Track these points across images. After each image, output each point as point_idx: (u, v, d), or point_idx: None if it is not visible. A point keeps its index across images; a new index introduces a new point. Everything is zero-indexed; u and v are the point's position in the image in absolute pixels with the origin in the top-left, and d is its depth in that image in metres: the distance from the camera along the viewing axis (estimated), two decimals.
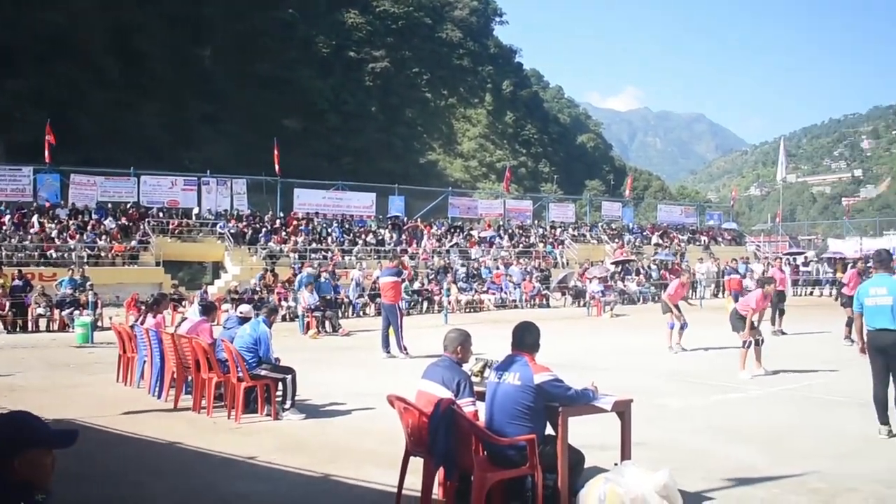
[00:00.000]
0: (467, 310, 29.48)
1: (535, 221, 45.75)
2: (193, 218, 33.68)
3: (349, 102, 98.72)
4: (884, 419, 8.30)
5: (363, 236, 35.14)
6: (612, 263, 37.20)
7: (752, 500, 6.15)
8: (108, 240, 29.93)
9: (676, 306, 16.77)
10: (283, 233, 33.67)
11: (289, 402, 9.56)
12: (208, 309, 12.29)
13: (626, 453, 6.01)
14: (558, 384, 5.50)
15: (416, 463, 5.76)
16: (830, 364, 13.99)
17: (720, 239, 49.81)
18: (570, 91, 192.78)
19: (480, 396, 5.88)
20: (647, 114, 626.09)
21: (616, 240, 43.92)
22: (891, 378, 8.27)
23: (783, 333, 20.00)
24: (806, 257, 44.56)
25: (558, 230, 44.01)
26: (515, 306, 30.97)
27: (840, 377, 12.62)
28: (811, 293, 39.71)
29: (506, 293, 31.67)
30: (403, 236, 36.50)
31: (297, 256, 31.28)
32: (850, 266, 37.78)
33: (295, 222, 34.89)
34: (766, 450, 7.81)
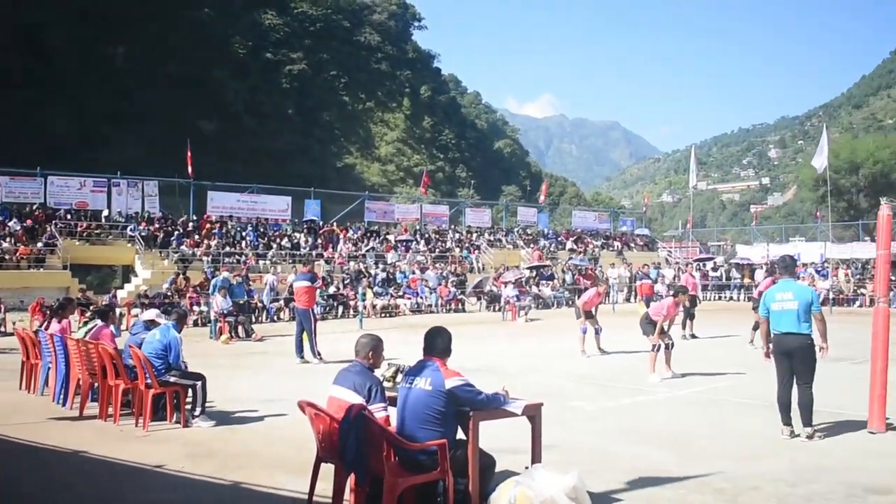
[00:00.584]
0: (383, 314, 29.43)
1: (452, 226, 45.86)
2: (103, 220, 32.81)
3: (265, 104, 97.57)
4: (786, 420, 8.57)
5: (278, 240, 34.75)
6: (527, 268, 37.56)
7: (659, 500, 6.27)
8: (13, 242, 28.97)
9: (589, 312, 17.02)
10: (196, 236, 33.10)
11: (198, 409, 9.39)
12: (105, 314, 11.98)
13: (536, 456, 6.06)
14: (469, 389, 5.54)
15: (328, 469, 5.72)
16: (737, 367, 14.37)
17: (633, 244, 50.62)
18: (488, 97, 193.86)
19: (393, 402, 5.87)
20: (564, 121, 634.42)
21: (531, 245, 44.31)
22: (794, 380, 8.54)
23: (694, 337, 20.44)
24: (715, 263, 45.66)
25: (474, 235, 44.22)
26: (431, 311, 31.03)
27: (746, 380, 12.97)
28: (720, 298, 40.73)
29: (422, 298, 31.72)
30: (319, 240, 36.23)
31: (210, 260, 30.76)
32: (764, 272, 38.91)
33: (208, 225, 34.33)
34: (673, 451, 7.98)
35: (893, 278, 33.11)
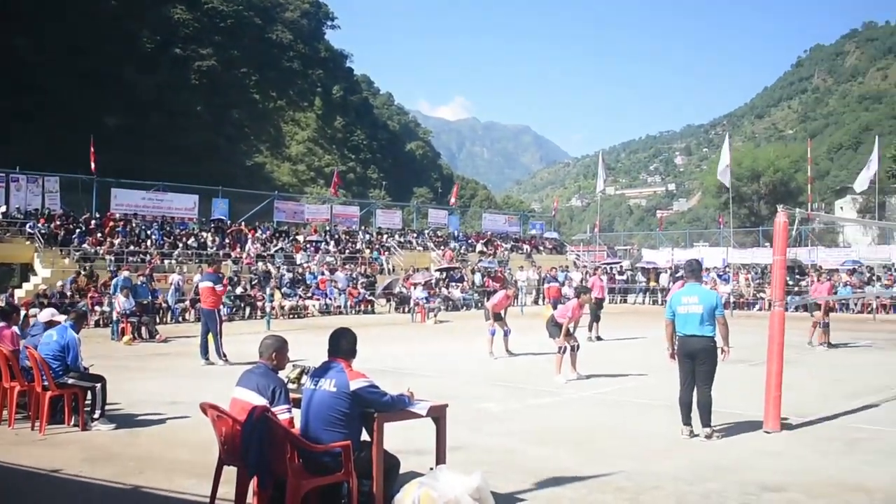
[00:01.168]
0: (291, 316, 29.17)
1: (362, 227, 45.67)
2: (1, 217, 31.69)
3: (174, 100, 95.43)
4: (687, 420, 8.78)
5: (184, 239, 34.06)
6: (437, 270, 37.67)
7: (561, 500, 6.35)
8: None
9: (498, 314, 17.17)
10: (99, 234, 32.21)
11: (98, 412, 9.15)
12: (7, 314, 11.57)
13: (441, 457, 6.08)
14: (374, 390, 5.53)
15: (230, 472, 5.65)
16: (641, 369, 14.67)
17: (542, 248, 51.18)
18: (401, 98, 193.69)
19: (297, 403, 5.83)
20: (476, 124, 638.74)
21: (442, 247, 44.45)
22: (695, 382, 8.75)
23: (599, 339, 20.78)
24: (622, 266, 46.51)
25: (385, 236, 44.13)
26: (340, 312, 30.88)
27: (649, 381, 13.25)
28: (625, 301, 41.53)
29: (331, 299, 31.54)
30: (227, 240, 35.66)
31: (113, 259, 29.97)
32: (669, 276, 39.78)
33: (112, 223, 33.40)
34: (576, 451, 8.10)
35: (791, 283, 34.46)
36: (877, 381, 13.32)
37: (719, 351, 8.78)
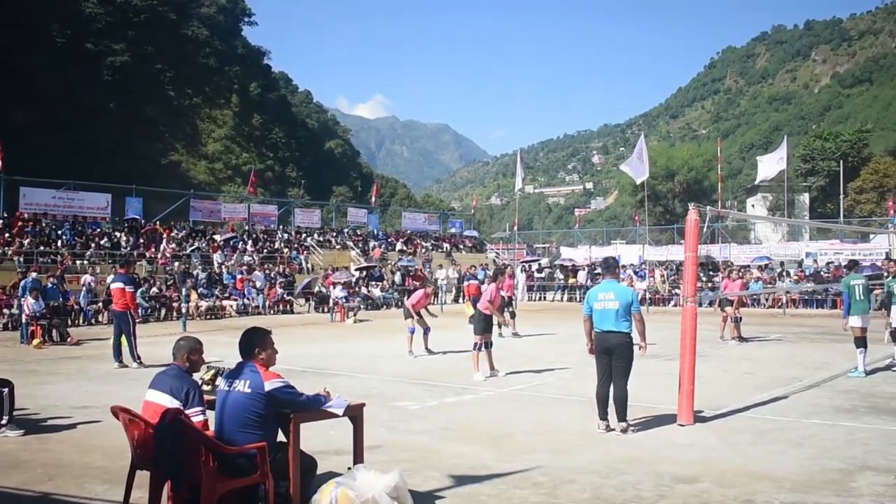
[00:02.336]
0: (208, 316, 28.74)
1: (281, 226, 45.22)
2: None
3: (85, 97, 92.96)
4: (603, 415, 8.93)
5: (97, 239, 33.24)
6: (357, 269, 37.53)
7: (479, 496, 6.37)
8: None
9: (419, 313, 17.19)
10: (7, 234, 31.23)
11: (5, 418, 8.84)
12: None
13: (358, 457, 6.05)
14: (289, 390, 5.47)
15: (144, 477, 5.53)
16: (558, 364, 14.85)
17: (462, 246, 51.40)
18: (319, 96, 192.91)
19: (212, 405, 5.74)
20: (395, 122, 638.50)
21: (361, 246, 44.30)
22: (612, 377, 8.89)
23: (516, 336, 20.94)
24: (540, 264, 46.97)
25: (304, 235, 43.79)
26: (259, 312, 30.54)
27: (566, 376, 13.41)
28: (543, 298, 41.97)
29: (248, 299, 31.16)
30: (141, 240, 34.92)
31: (21, 260, 29.09)
32: (587, 274, 40.29)
33: (20, 223, 32.43)
34: (494, 447, 8.14)
35: (704, 279, 35.26)
36: (786, 373, 13.71)
37: (636, 346, 8.94)
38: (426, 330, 17.21)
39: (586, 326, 9.16)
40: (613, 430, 8.79)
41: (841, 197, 57.81)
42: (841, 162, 61.18)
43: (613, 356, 8.85)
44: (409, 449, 8.08)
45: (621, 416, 8.82)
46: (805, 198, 72.92)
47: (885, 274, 15.46)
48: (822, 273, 35.72)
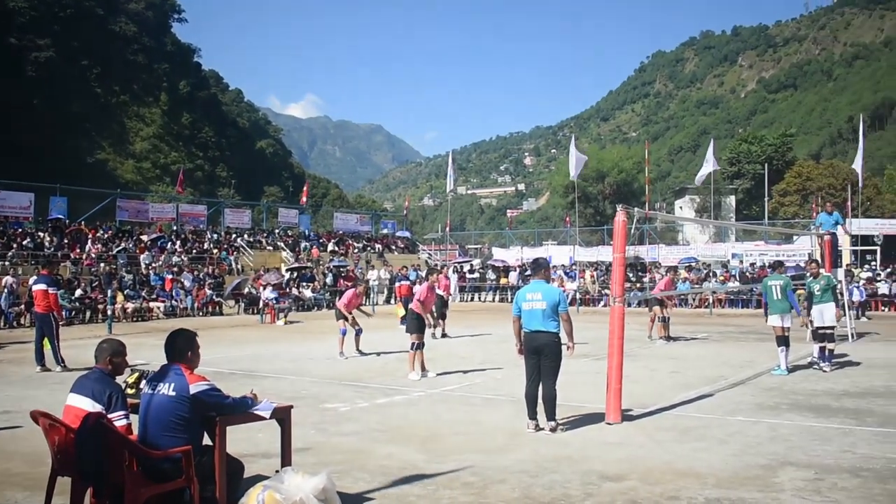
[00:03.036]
0: (135, 318, 28.20)
1: (210, 227, 44.62)
2: None
3: (8, 93, 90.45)
4: (533, 414, 8.98)
5: (19, 240, 32.38)
6: (288, 270, 37.21)
7: (408, 497, 6.37)
8: None
9: (350, 314, 17.13)
10: None
11: None
12: None
13: (286, 459, 6.01)
14: (214, 393, 5.39)
15: (65, 483, 5.41)
16: (488, 364, 14.92)
17: (394, 247, 51.33)
18: (251, 95, 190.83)
19: (136, 409, 5.63)
20: (328, 122, 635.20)
21: (292, 246, 43.95)
22: (541, 377, 8.94)
23: (445, 336, 20.97)
24: (472, 265, 47.16)
25: (234, 236, 43.28)
26: (187, 314, 30.08)
27: (496, 376, 13.48)
28: (474, 299, 42.12)
29: (177, 301, 30.64)
30: (65, 240, 34.13)
31: None
32: (518, 274, 40.51)
33: None
34: (424, 448, 8.15)
35: (633, 279, 35.75)
36: (711, 371, 13.97)
37: (564, 347, 9.01)
38: (358, 331, 17.16)
39: (515, 327, 9.21)
40: (543, 429, 8.85)
41: (766, 199, 59.25)
42: (766, 165, 62.73)
43: (542, 356, 8.90)
44: (338, 451, 8.04)
45: (550, 415, 8.89)
46: (731, 200, 74.48)
47: (808, 274, 15.84)
48: (747, 273, 36.50)
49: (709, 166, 46.18)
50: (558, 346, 8.93)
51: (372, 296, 33.59)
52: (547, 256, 49.53)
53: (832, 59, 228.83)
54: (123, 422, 5.38)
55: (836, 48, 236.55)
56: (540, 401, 8.95)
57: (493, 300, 41.44)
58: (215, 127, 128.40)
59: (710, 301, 33.69)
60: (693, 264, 39.63)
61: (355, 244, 48.13)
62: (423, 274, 18.59)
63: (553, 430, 8.80)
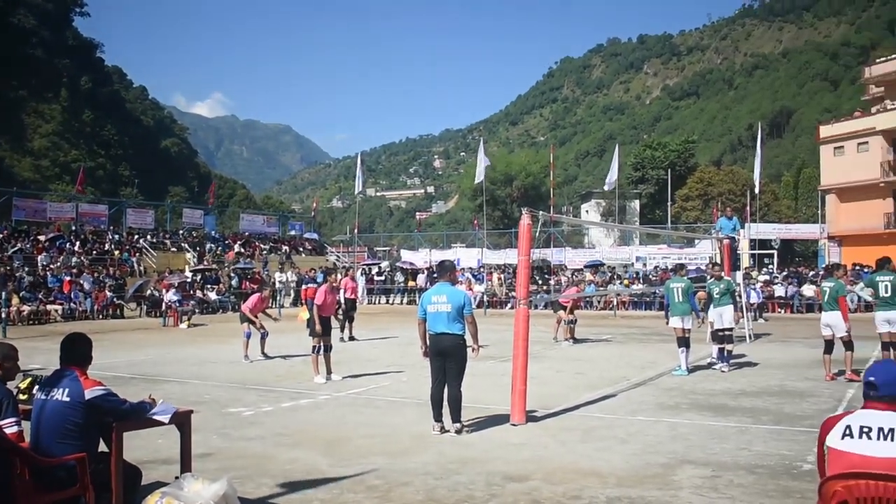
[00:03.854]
0: (31, 321, 27.31)
1: (111, 227, 43.52)
2: None
3: None
4: (438, 417, 8.98)
5: None
6: (192, 272, 36.56)
7: (312, 502, 6.33)
8: None
9: (256, 317, 16.92)
10: None
11: None
12: None
13: (186, 465, 5.87)
14: (111, 398, 5.24)
15: None
16: (395, 367, 14.91)
17: (301, 249, 50.90)
18: (155, 93, 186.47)
19: (28, 415, 5.43)
20: (235, 122, 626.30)
21: (197, 248, 43.19)
22: (446, 379, 8.95)
23: (353, 339, 20.89)
24: (381, 267, 47.06)
25: (136, 237, 42.31)
26: (86, 317, 29.31)
27: (402, 379, 13.48)
28: (380, 301, 42.06)
29: (76, 303, 29.81)
30: None
31: None
32: (425, 277, 40.56)
33: None
34: (329, 452, 8.08)
35: (540, 281, 36.17)
36: (615, 372, 14.23)
37: (469, 349, 9.04)
38: (263, 334, 16.97)
39: (420, 329, 9.21)
40: (448, 431, 8.88)
41: (669, 204, 60.58)
42: (669, 170, 64.06)
43: (447, 358, 8.91)
44: (241, 456, 7.92)
45: (455, 417, 8.91)
46: (636, 204, 75.89)
47: (709, 277, 16.27)
48: (650, 276, 37.30)
49: (615, 172, 47.10)
50: (463, 348, 8.95)
51: (278, 298, 33.23)
52: (455, 259, 49.79)
53: (733, 68, 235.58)
54: (14, 429, 5.17)
55: (737, 58, 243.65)
56: (445, 403, 8.97)
57: (401, 303, 41.44)
58: (118, 125, 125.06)
59: (615, 303, 34.30)
60: (598, 267, 40.31)
61: (262, 246, 47.57)
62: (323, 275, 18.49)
63: (458, 431, 8.83)
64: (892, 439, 3.50)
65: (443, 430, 8.90)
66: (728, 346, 14.64)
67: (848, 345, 12.97)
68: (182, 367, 15.51)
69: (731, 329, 14.81)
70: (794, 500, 6.29)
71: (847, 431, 3.59)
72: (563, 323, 20.22)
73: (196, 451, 6.05)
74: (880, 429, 3.53)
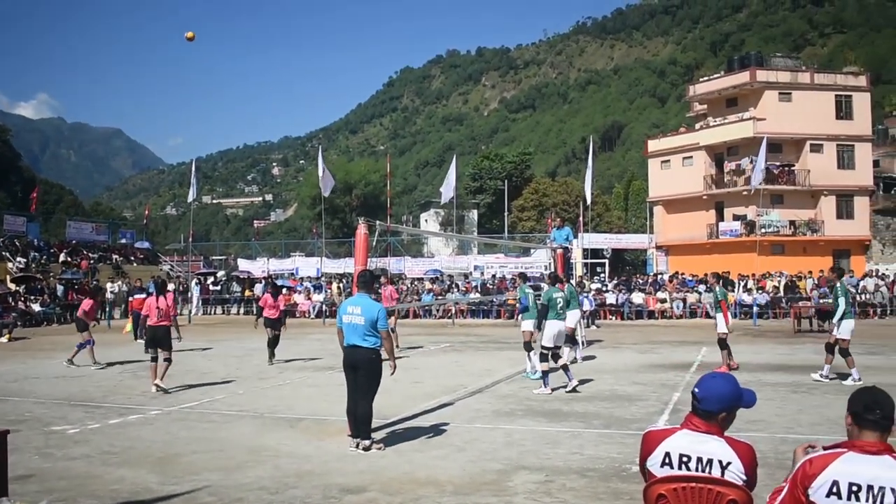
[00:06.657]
0: None
1: None
2: None
3: None
4: (355, 433, 8.73)
5: None
6: (13, 281, 34.69)
7: None
8: None
9: (90, 322, 16.36)
10: None
11: None
12: None
13: (2, 489, 5.54)
14: None
15: None
16: (230, 379, 14.58)
17: (133, 258, 49.15)
18: None
19: None
20: (62, 124, 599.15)
21: (19, 257, 40.96)
22: (357, 393, 8.73)
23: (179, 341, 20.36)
24: (217, 277, 45.94)
25: None
26: None
27: (238, 391, 13.19)
28: (216, 312, 41.08)
29: None
30: None
31: None
32: (263, 287, 39.84)
33: None
34: (159, 469, 7.81)
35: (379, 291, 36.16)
36: (452, 381, 14.37)
37: (386, 364, 8.87)
38: (88, 343, 16.37)
39: (339, 338, 8.99)
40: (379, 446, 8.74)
41: (505, 214, 61.79)
42: (506, 181, 65.38)
43: (358, 372, 8.70)
44: (64, 476, 7.55)
45: (365, 433, 8.69)
46: (474, 214, 77.00)
47: (544, 285, 16.70)
48: (488, 285, 37.95)
49: (451, 186, 47.76)
50: (376, 362, 8.74)
51: (108, 309, 31.91)
52: (294, 268, 49.29)
53: (567, 82, 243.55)
54: None
55: (571, 73, 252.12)
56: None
57: (238, 313, 40.55)
58: None
59: (453, 312, 34.67)
60: (437, 276, 40.70)
61: (91, 255, 45.60)
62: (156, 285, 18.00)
63: (366, 449, 8.57)
64: (710, 471, 3.52)
65: (359, 445, 8.64)
66: (563, 360, 13.50)
67: (721, 343, 15.21)
68: (0, 383, 14.65)
69: (559, 346, 13.65)
70: (624, 501, 6.53)
71: (667, 460, 3.61)
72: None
73: (14, 473, 5.73)
74: (699, 458, 3.55)
